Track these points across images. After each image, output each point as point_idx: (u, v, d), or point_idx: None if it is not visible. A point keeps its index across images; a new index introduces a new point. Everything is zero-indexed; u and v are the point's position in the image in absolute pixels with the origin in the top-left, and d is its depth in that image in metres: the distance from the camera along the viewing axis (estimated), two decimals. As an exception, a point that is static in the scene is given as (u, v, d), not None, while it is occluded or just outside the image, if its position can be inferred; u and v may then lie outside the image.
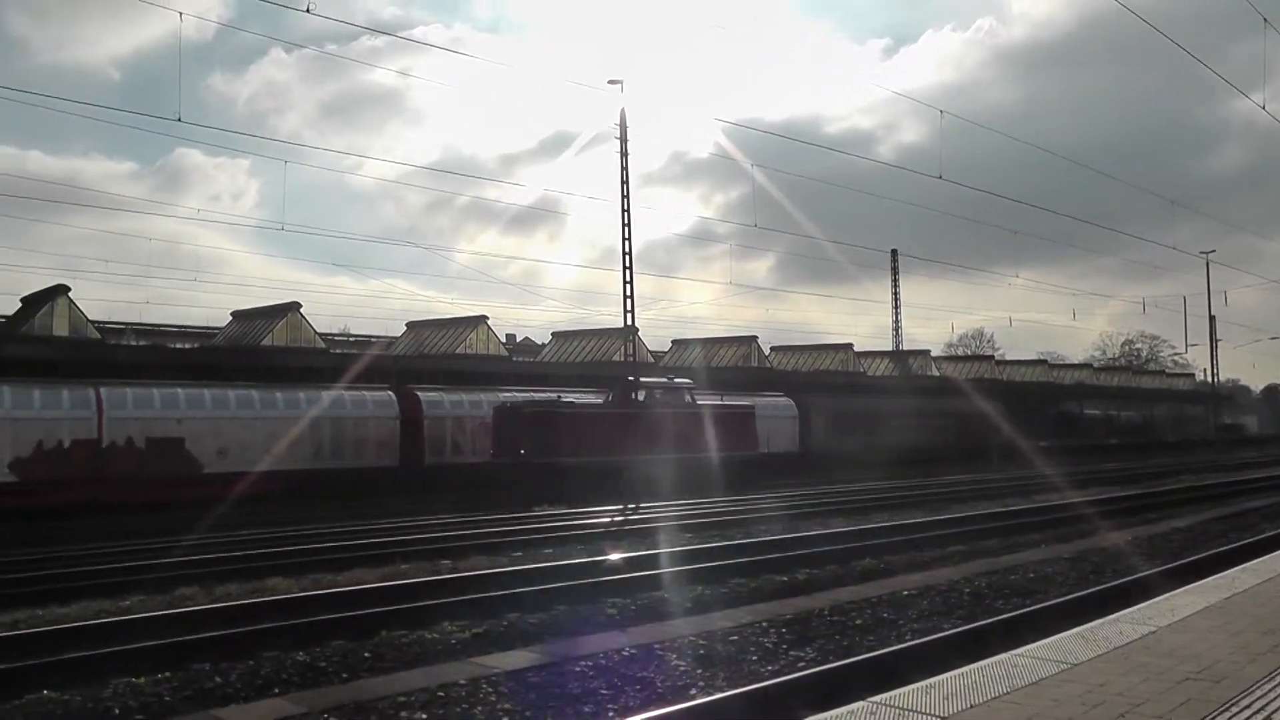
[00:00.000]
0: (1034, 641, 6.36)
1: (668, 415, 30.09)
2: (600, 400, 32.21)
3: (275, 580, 13.59)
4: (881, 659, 7.89)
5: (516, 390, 34.04)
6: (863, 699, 4.94)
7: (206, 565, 14.67)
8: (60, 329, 33.12)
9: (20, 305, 37.02)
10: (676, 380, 32.30)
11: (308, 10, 19.97)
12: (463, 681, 7.66)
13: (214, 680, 8.29)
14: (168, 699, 7.85)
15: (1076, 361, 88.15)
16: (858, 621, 9.89)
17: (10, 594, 12.61)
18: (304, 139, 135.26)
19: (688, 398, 31.24)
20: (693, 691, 7.35)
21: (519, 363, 44.15)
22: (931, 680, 5.33)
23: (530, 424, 28.00)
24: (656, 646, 8.73)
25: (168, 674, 8.47)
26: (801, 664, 8.21)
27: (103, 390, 25.54)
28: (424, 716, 6.88)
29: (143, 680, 8.28)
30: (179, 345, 39.19)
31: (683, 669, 8.04)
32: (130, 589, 12.96)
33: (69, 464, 24.37)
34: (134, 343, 38.26)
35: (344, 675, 8.44)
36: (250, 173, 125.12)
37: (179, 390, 26.69)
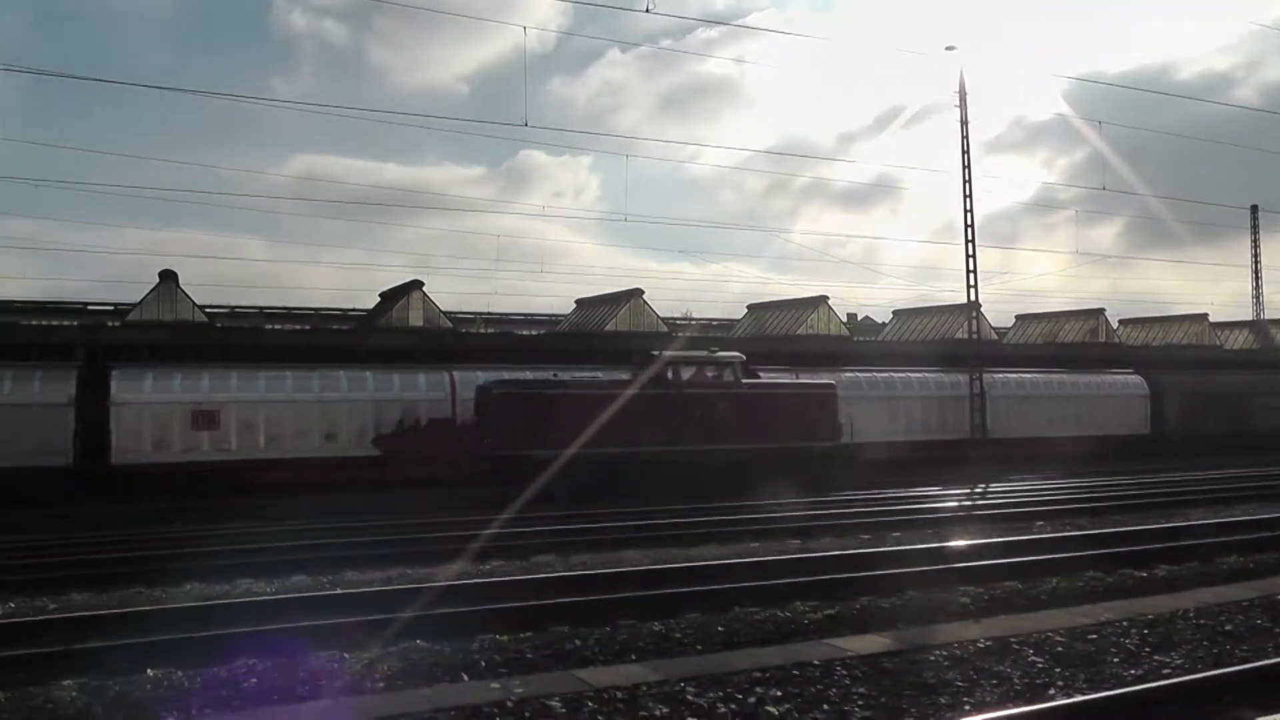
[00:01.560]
0: None
1: (701, 397, 24.80)
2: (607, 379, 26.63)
3: (629, 553, 14.14)
4: (1264, 671, 6.98)
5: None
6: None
7: (562, 535, 15.32)
8: (415, 320, 36.03)
9: (379, 299, 40.65)
10: (719, 354, 26.27)
11: (647, 10, 21.34)
12: (816, 662, 7.45)
13: (573, 643, 8.60)
14: (530, 656, 8.21)
15: None
16: (1227, 627, 8.70)
17: (387, 553, 13.82)
18: (643, 133, 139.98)
19: (729, 375, 25.40)
20: (1051, 691, 6.84)
21: (860, 342, 43.32)
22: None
23: (499, 408, 23.97)
24: (1012, 640, 8.16)
25: (529, 634, 8.89)
26: (1167, 670, 7.35)
27: (455, 373, 27.49)
28: (778, 693, 6.71)
29: (506, 638, 8.74)
30: (525, 332, 41.48)
31: (1040, 666, 7.45)
32: (492, 554, 13.81)
33: (425, 440, 26.38)
34: (483, 330, 40.84)
35: (698, 647, 8.53)
36: (591, 169, 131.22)
37: (526, 373, 28.16)
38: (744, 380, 25.61)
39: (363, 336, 34.04)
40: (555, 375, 25.47)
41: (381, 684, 7.44)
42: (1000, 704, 6.48)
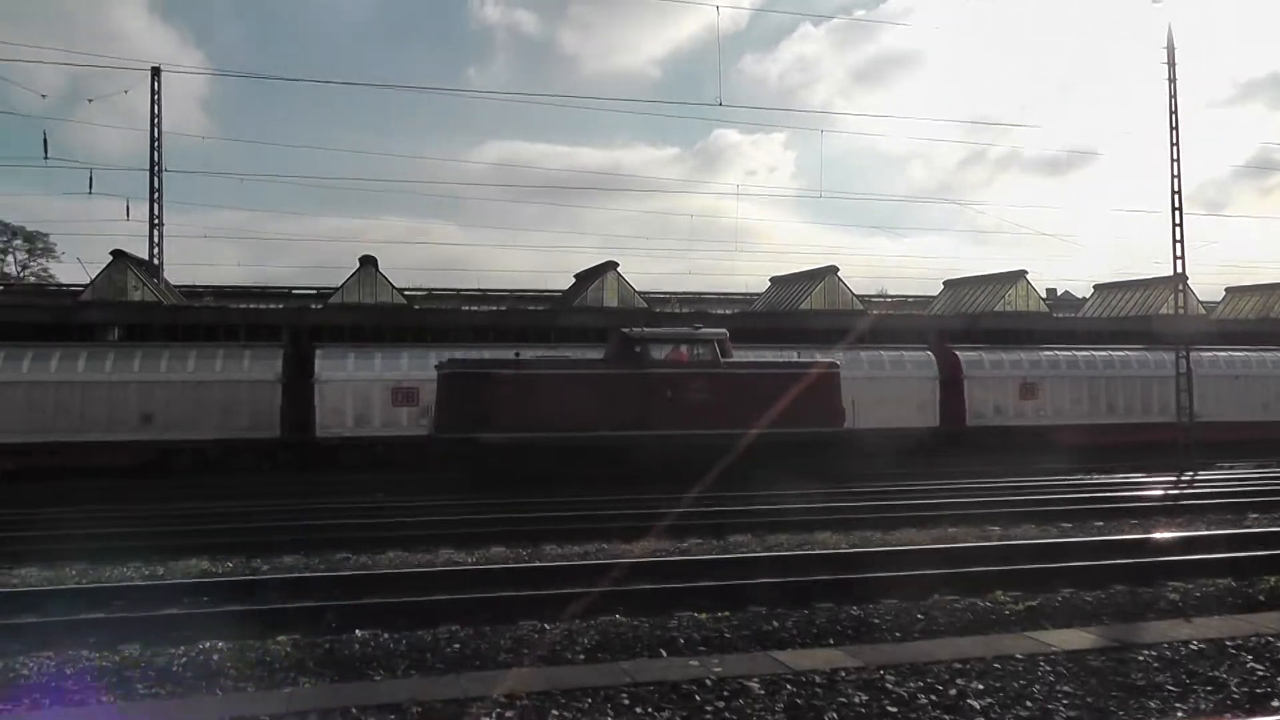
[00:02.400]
0: None
1: (673, 377, 22.75)
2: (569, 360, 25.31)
3: (824, 535, 13.99)
4: None
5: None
6: None
7: (758, 516, 15.30)
8: (610, 300, 36.58)
9: (574, 280, 41.39)
10: (698, 331, 24.07)
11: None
12: (1019, 656, 7.13)
13: (770, 624, 8.54)
14: (727, 635, 8.20)
15: None
16: None
17: (582, 529, 14.08)
18: (835, 107, 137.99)
19: (705, 353, 23.26)
20: (1275, 703, 6.29)
21: (1060, 319, 41.54)
22: None
23: (446, 389, 22.72)
24: (1228, 643, 7.54)
25: (727, 613, 8.86)
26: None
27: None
28: (979, 686, 6.45)
29: (704, 616, 8.74)
30: (720, 311, 41.52)
31: (1260, 674, 6.86)
32: (686, 532, 13.86)
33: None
34: (676, 309, 41.08)
35: (896, 634, 8.36)
36: (786, 145, 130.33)
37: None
38: (727, 360, 23.54)
39: (555, 316, 34.78)
40: (517, 355, 23.65)
41: (581, 655, 7.54)
42: (1217, 712, 6.08)
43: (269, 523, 15.44)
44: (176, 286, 40.22)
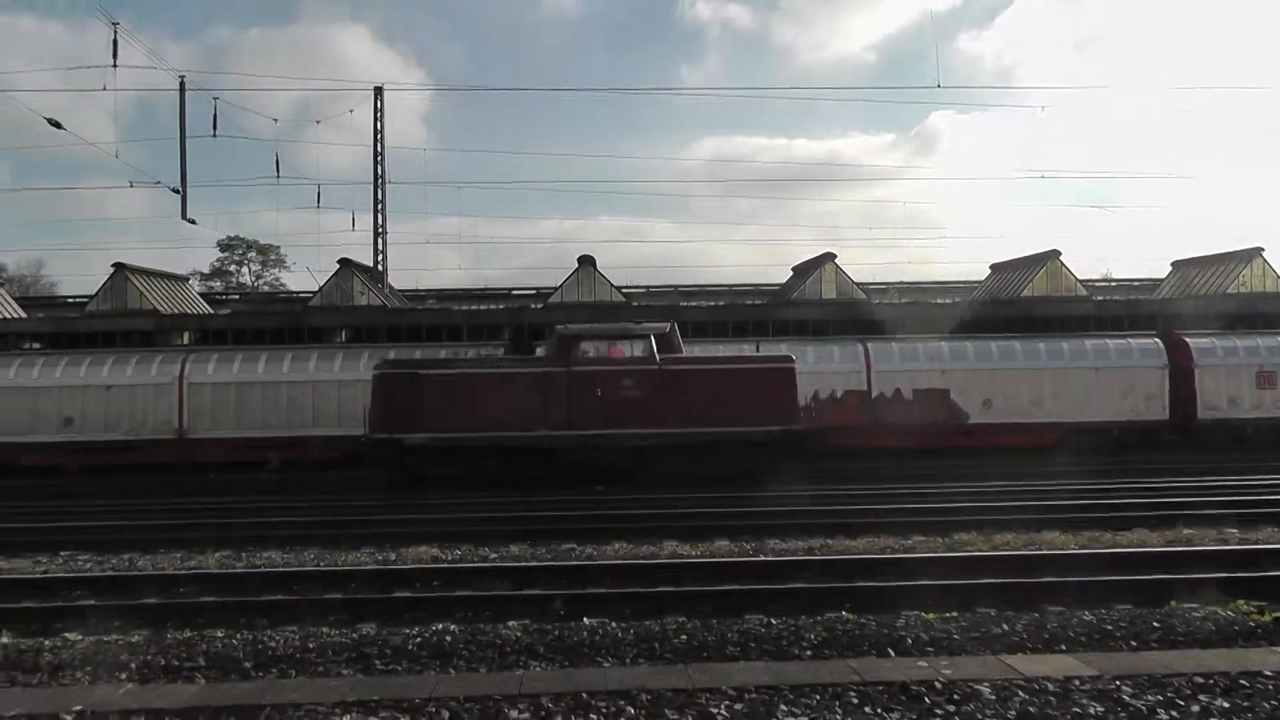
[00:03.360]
0: None
1: (601, 375, 22.03)
2: (496, 359, 25.54)
3: (1052, 534, 13.41)
4: None
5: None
6: None
7: (982, 513, 14.81)
8: (829, 292, 36.26)
9: (791, 274, 41.12)
10: (632, 326, 23.40)
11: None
12: (1268, 673, 6.62)
13: (1000, 627, 8.31)
14: (956, 637, 8.03)
15: None
16: None
17: (808, 523, 14.01)
18: (1055, 82, 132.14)
19: (641, 350, 22.34)
20: None
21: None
22: None
23: (375, 390, 22.61)
24: None
25: (954, 613, 8.67)
26: None
27: (869, 345, 27.36)
28: (1224, 704, 6.06)
29: (932, 616, 8.58)
30: (940, 300, 40.47)
31: None
32: (911, 529, 13.58)
33: (843, 413, 26.48)
34: (896, 300, 40.34)
35: (1132, 643, 7.98)
36: (1001, 125, 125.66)
37: (942, 343, 27.64)
38: (670, 356, 22.52)
39: (772, 310, 34.67)
40: (455, 354, 23.67)
41: (808, 651, 7.50)
42: None
43: (494, 513, 16.03)
44: (400, 291, 42.34)
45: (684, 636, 7.86)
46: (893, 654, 7.48)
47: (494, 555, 12.23)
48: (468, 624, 8.51)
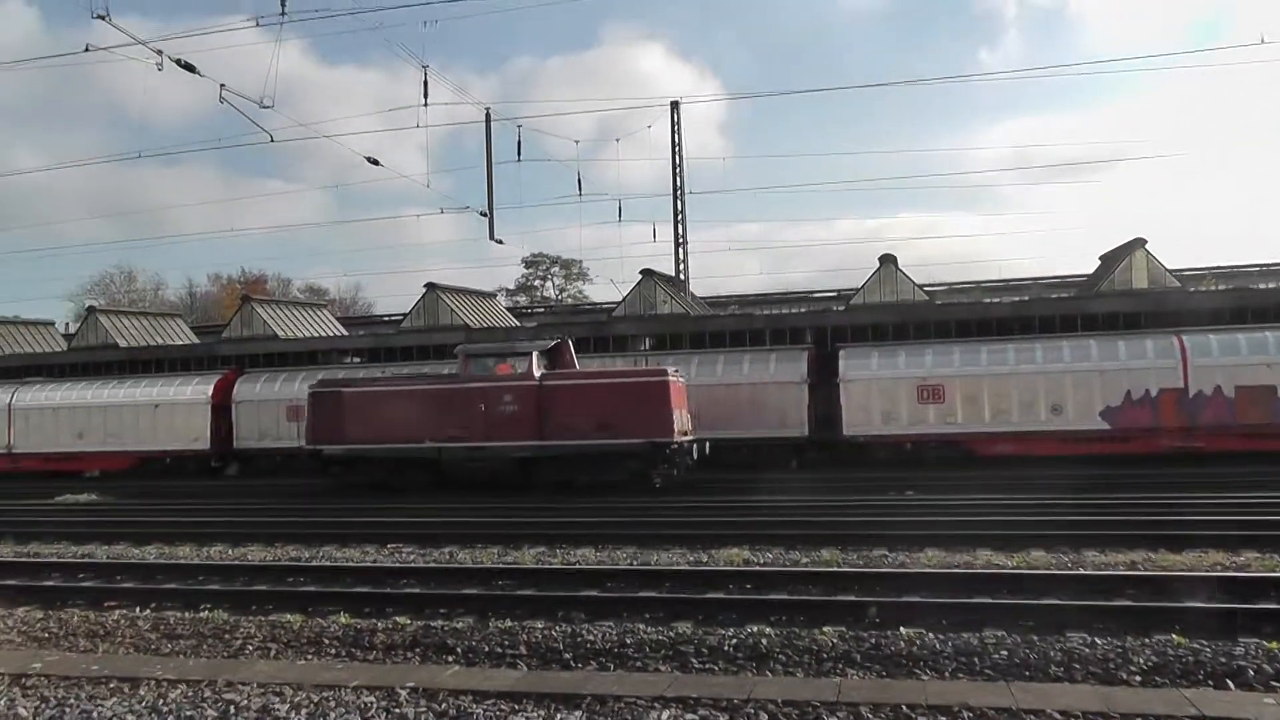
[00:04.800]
0: None
1: (486, 391, 23.52)
2: (405, 376, 27.35)
3: None
4: None
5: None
6: None
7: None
8: (1139, 281, 33.82)
9: (1099, 263, 38.74)
10: (518, 344, 25.42)
11: None
12: None
13: None
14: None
15: None
16: None
17: (1129, 534, 13.13)
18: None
19: (522, 366, 23.64)
20: None
21: None
22: None
23: (309, 405, 25.38)
24: None
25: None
26: None
27: (1185, 338, 25.32)
28: None
29: (1274, 646, 7.71)
30: (1264, 285, 37.03)
31: None
32: (1241, 544, 12.42)
33: (1156, 412, 24.69)
34: (1212, 288, 37.13)
35: None
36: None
37: (1268, 334, 25.17)
38: (557, 371, 24.24)
39: (1081, 304, 32.67)
40: (384, 372, 26.53)
41: (1137, 676, 7.01)
42: None
43: (805, 516, 16.02)
44: (702, 298, 42.97)
45: (1004, 652, 7.51)
46: (1232, 686, 6.81)
47: (805, 560, 12.20)
48: (782, 627, 8.52)
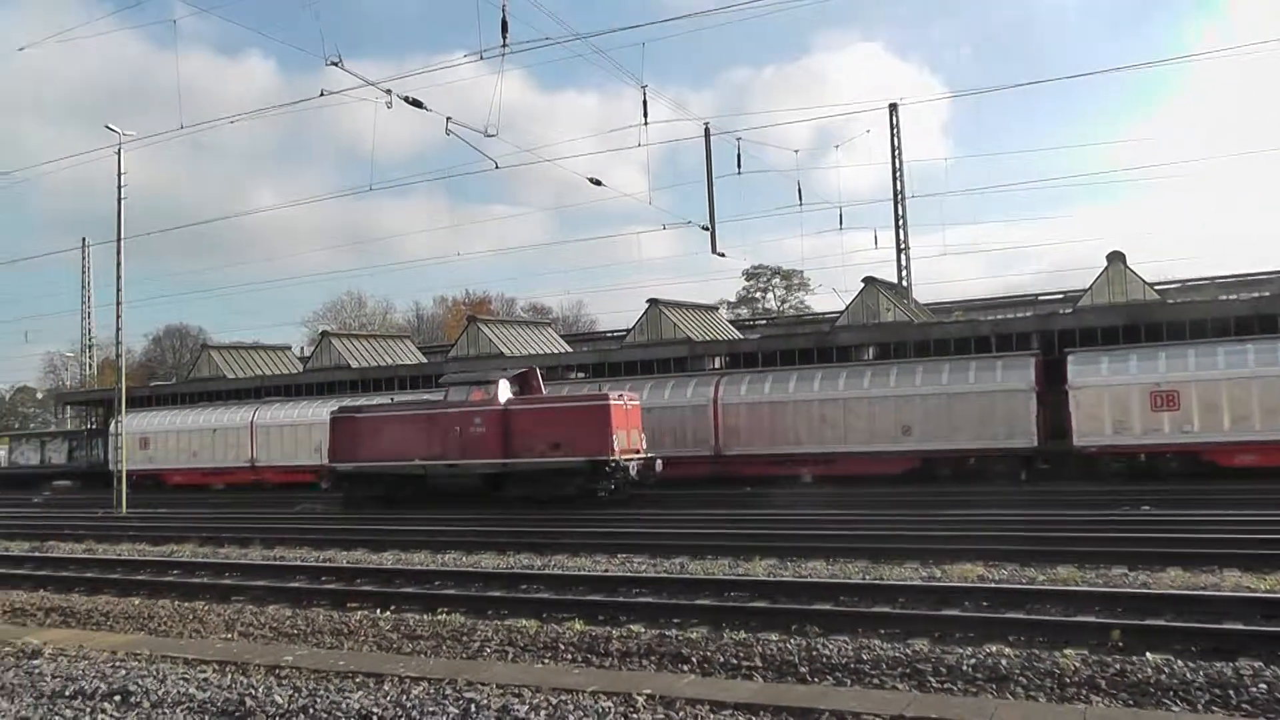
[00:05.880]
0: None
1: (459, 415, 26.74)
2: (403, 403, 31.11)
3: None
4: None
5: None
6: None
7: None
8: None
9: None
10: (491, 374, 28.27)
11: None
12: None
13: None
14: None
15: None
16: None
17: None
18: None
19: (489, 393, 26.75)
20: None
21: None
22: None
23: (333, 428, 29.25)
24: None
25: None
26: None
27: None
28: None
29: None
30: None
31: None
32: None
33: None
34: None
35: None
36: None
37: (383, 400, 24.83)
38: (515, 397, 26.70)
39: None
40: (391, 400, 31.19)
41: None
42: None
43: (1034, 531, 15.50)
44: (925, 304, 41.98)
45: (1263, 685, 6.98)
46: None
47: (1041, 578, 11.81)
48: (1022, 648, 8.30)
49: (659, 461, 26.09)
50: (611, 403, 25.12)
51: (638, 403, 26.98)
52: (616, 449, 24.64)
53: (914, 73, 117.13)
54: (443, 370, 38.90)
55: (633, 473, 25.06)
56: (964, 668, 7.70)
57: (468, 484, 26.52)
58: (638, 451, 25.80)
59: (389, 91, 19.97)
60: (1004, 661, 7.75)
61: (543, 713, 6.59)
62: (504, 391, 26.64)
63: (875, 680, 7.60)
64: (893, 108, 39.55)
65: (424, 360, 46.18)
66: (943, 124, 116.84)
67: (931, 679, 7.54)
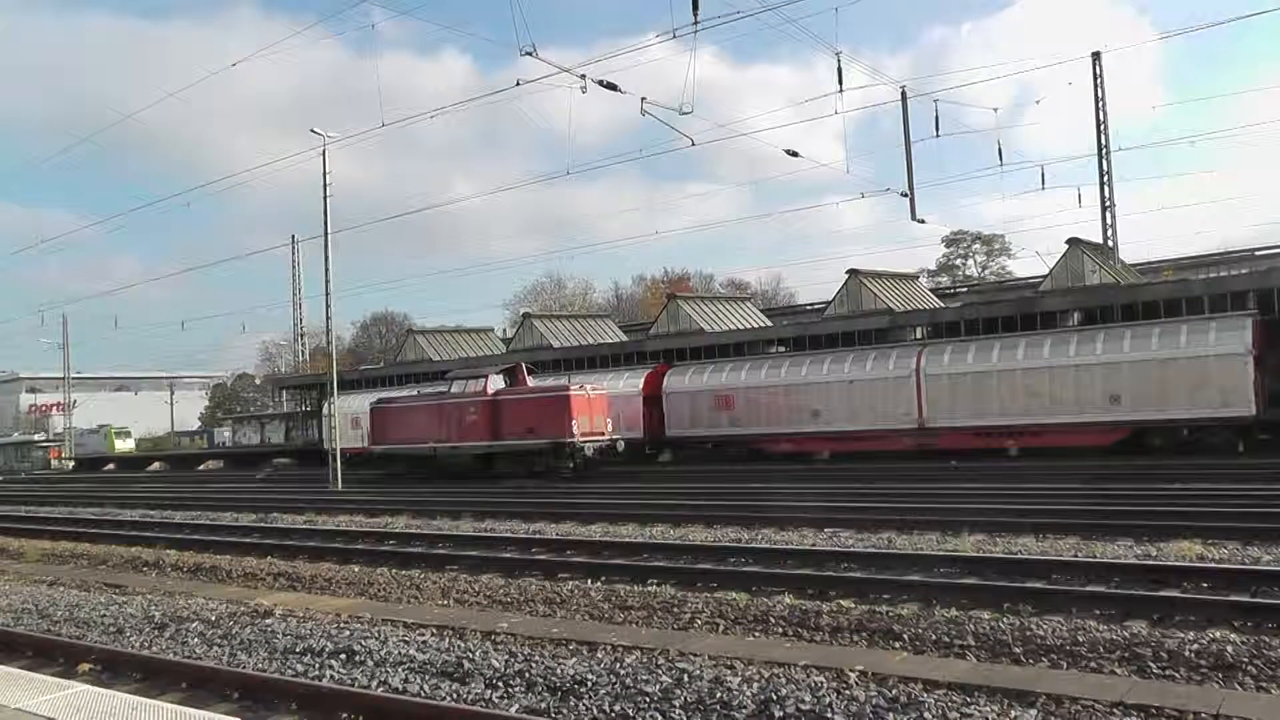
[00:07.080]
0: None
1: (458, 404, 32.09)
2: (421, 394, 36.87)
3: None
4: None
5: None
6: None
7: None
8: None
9: None
10: (483, 369, 33.88)
11: None
12: None
13: None
14: None
15: None
16: None
17: None
18: None
19: (478, 385, 32.02)
20: None
21: None
22: None
23: (372, 415, 35.39)
24: None
25: None
26: None
27: None
28: None
29: None
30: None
31: None
32: None
33: None
34: None
35: None
36: None
37: (413, 390, 24.14)
38: (503, 388, 31.78)
39: None
40: (418, 392, 37.13)
41: None
42: None
43: (1255, 508, 14.57)
44: (1133, 264, 39.76)
45: None
46: None
47: (1267, 558, 11.07)
48: (1249, 634, 7.87)
49: (620, 443, 30.45)
50: (571, 393, 29.72)
51: (602, 392, 31.44)
52: (576, 433, 29.16)
53: (1128, 15, 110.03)
54: (643, 348, 39.57)
55: (589, 452, 29.58)
56: (1186, 653, 7.33)
57: (465, 462, 31.67)
58: (601, 434, 30.13)
59: (583, 76, 20.19)
60: (1229, 649, 7.34)
61: (755, 685, 6.63)
62: (493, 384, 31.84)
63: (1091, 664, 7.34)
64: (1095, 56, 37.63)
65: (625, 339, 46.86)
66: (1151, 71, 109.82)
67: (1151, 664, 7.21)
